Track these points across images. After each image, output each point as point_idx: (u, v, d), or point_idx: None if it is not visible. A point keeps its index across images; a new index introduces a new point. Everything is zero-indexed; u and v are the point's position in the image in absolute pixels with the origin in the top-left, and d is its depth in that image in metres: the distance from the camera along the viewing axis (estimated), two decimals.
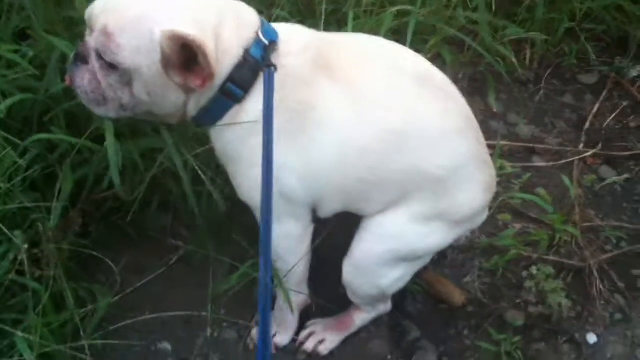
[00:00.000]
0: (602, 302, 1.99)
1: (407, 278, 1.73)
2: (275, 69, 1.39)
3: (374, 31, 2.29)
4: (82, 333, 1.59)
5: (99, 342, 1.64)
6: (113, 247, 1.88)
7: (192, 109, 1.47)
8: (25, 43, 1.96)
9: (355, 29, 2.25)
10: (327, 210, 1.58)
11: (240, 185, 1.55)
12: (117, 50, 1.34)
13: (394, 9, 2.28)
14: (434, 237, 1.63)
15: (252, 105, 1.43)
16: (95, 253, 1.76)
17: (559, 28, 2.64)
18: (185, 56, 1.34)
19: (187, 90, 1.41)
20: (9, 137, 1.64)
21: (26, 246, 1.52)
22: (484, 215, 1.74)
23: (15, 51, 1.83)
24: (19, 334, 1.46)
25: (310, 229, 1.63)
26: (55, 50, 1.85)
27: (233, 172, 1.56)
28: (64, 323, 1.60)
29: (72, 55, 1.45)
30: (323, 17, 2.19)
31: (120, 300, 1.79)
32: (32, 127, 1.79)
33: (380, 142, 1.46)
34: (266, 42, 1.42)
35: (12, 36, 1.92)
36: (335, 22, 2.35)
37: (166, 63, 1.34)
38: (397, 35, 2.36)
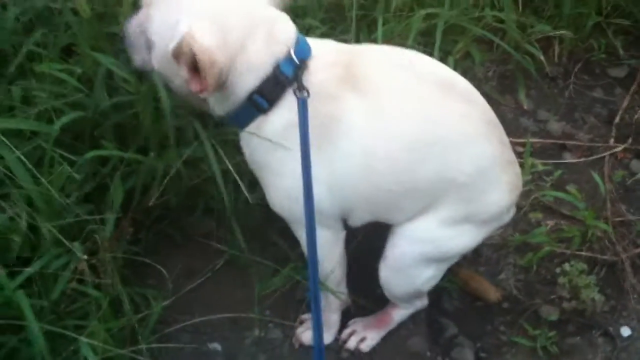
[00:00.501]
0: (635, 296, 2.04)
1: (440, 275, 1.79)
2: (309, 94, 1.44)
3: (403, 34, 2.35)
4: (139, 337, 1.68)
5: (155, 345, 1.73)
6: (162, 252, 1.98)
7: (216, 108, 1.56)
8: (72, 60, 2.06)
9: (385, 33, 2.31)
10: (357, 220, 1.65)
11: (269, 194, 1.62)
12: (148, 19, 1.49)
13: (423, 12, 2.34)
14: (464, 238, 1.69)
15: (277, 118, 1.50)
16: (146, 260, 1.85)
17: (586, 23, 2.67)
18: (194, 60, 1.40)
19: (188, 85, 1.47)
20: (64, 153, 1.73)
21: (85, 257, 1.62)
22: (512, 213, 1.78)
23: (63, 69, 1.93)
24: (83, 339, 1.55)
25: (342, 235, 1.70)
26: (101, 67, 1.95)
27: (262, 179, 1.64)
28: (122, 327, 1.69)
29: None
30: (354, 23, 2.26)
31: (172, 304, 1.88)
32: (84, 141, 1.88)
33: (405, 151, 1.52)
34: (297, 61, 1.48)
35: (59, 53, 2.02)
36: (366, 27, 2.41)
37: (177, 55, 1.42)
38: (426, 36, 2.42)
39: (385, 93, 1.53)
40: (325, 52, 1.55)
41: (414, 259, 1.68)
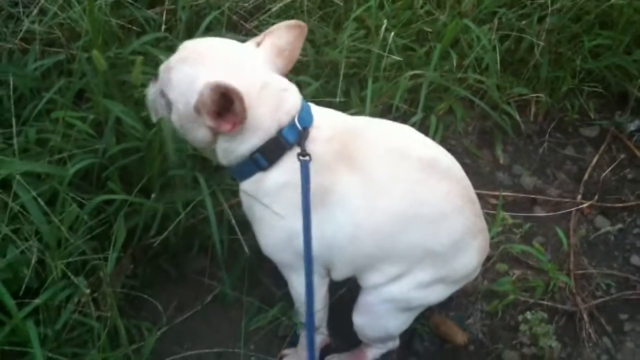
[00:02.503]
0: (591, 345, 2.22)
1: (411, 321, 1.94)
2: (310, 158, 1.61)
3: (391, 91, 2.55)
4: None
5: None
6: (157, 286, 2.14)
7: (222, 158, 1.70)
8: (84, 105, 2.24)
9: (375, 91, 2.49)
10: (339, 274, 1.81)
11: (261, 241, 1.78)
12: (168, 82, 1.65)
13: (409, 73, 2.53)
14: (434, 295, 1.86)
15: (274, 176, 1.66)
16: (144, 295, 2.02)
17: (562, 86, 2.86)
18: (220, 105, 1.57)
19: (215, 132, 1.64)
20: (74, 195, 1.90)
21: (89, 291, 1.78)
22: (478, 270, 1.94)
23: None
24: None
25: (325, 280, 1.85)
26: (112, 114, 2.13)
27: (256, 227, 1.79)
28: (118, 357, 1.84)
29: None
30: (340, 81, 2.43)
31: (163, 335, 2.03)
32: (92, 181, 2.06)
33: (389, 224, 1.69)
34: (300, 128, 1.64)
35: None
36: (358, 82, 2.60)
37: (200, 107, 1.57)
38: (412, 94, 2.61)
39: (376, 172, 1.68)
40: (326, 124, 1.70)
41: (385, 311, 1.85)
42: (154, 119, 1.81)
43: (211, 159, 1.82)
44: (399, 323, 1.90)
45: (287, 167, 1.65)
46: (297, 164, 1.63)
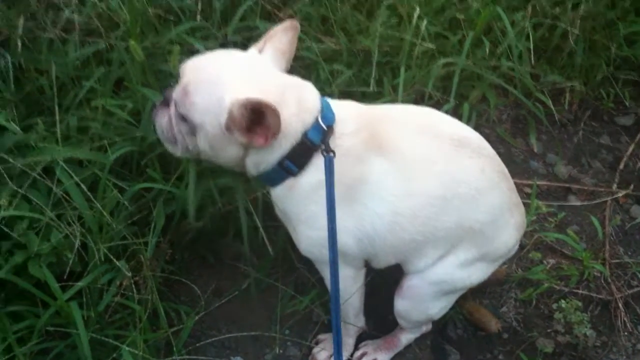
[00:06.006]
0: (626, 334, 2.21)
1: (451, 304, 1.97)
2: (334, 154, 1.60)
3: (423, 79, 2.55)
4: (174, 348, 1.88)
5: (186, 357, 1.93)
6: (195, 272, 2.19)
7: (252, 169, 1.68)
8: (123, 94, 2.28)
9: (407, 79, 2.50)
10: (382, 263, 1.82)
11: (299, 241, 1.79)
12: (190, 106, 1.59)
13: (442, 61, 2.53)
14: (476, 275, 1.87)
15: (306, 179, 1.65)
16: (181, 278, 2.06)
17: (597, 74, 2.84)
18: (250, 119, 1.54)
19: (247, 147, 1.62)
20: (115, 181, 1.94)
21: (130, 274, 1.82)
22: (517, 246, 1.95)
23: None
24: (125, 347, 1.75)
25: (362, 272, 1.87)
26: (149, 102, 2.16)
27: (292, 228, 1.79)
28: (158, 339, 1.89)
29: (161, 95, 1.73)
30: (374, 69, 2.45)
31: (201, 319, 2.07)
32: (131, 169, 2.10)
33: (427, 207, 1.69)
34: (325, 127, 1.62)
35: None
36: (390, 70, 2.61)
37: (231, 125, 1.54)
38: (445, 81, 2.61)
39: (408, 155, 1.68)
40: (348, 116, 1.69)
41: (430, 294, 1.87)
42: (173, 150, 1.73)
43: (237, 171, 1.78)
44: (441, 306, 1.92)
45: (319, 166, 1.62)
46: (332, 161, 1.61)
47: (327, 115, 1.66)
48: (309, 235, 1.73)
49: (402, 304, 1.90)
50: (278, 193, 1.73)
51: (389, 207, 1.68)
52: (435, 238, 1.74)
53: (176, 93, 1.63)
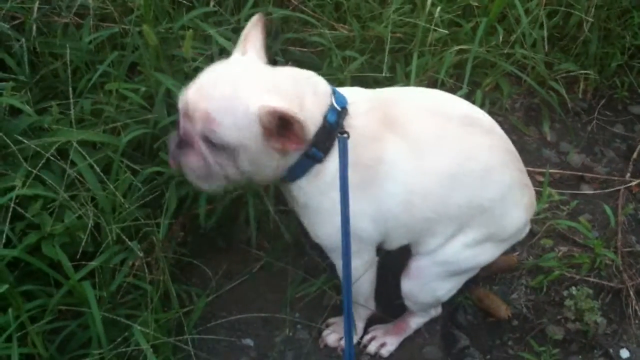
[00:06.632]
0: (637, 322, 2.20)
1: (459, 286, 1.97)
2: (348, 135, 1.60)
3: (436, 66, 2.55)
4: (185, 328, 1.90)
5: (197, 336, 1.95)
6: (206, 255, 2.20)
7: (282, 169, 1.66)
8: (136, 78, 2.30)
9: (420, 65, 2.50)
10: (394, 244, 1.83)
11: (319, 230, 1.77)
12: (223, 131, 1.52)
13: (455, 48, 2.53)
14: (484, 256, 1.88)
15: (331, 164, 1.64)
16: (193, 260, 2.08)
17: (611, 63, 2.82)
18: (279, 125, 1.52)
19: (284, 153, 1.60)
20: (128, 162, 1.96)
21: (142, 254, 1.84)
22: (527, 229, 1.96)
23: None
24: (137, 327, 1.77)
25: (375, 259, 1.88)
26: (162, 86, 2.18)
27: (313, 220, 1.77)
28: (169, 319, 1.91)
29: (170, 142, 1.65)
30: (386, 55, 2.45)
31: (212, 301, 2.09)
32: (144, 152, 2.12)
33: (439, 185, 1.70)
34: (339, 108, 1.62)
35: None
36: (403, 57, 2.61)
37: (266, 132, 1.52)
38: (458, 69, 2.61)
39: (419, 134, 1.70)
40: (360, 98, 1.71)
41: (437, 275, 1.88)
42: (207, 187, 1.68)
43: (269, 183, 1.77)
44: (448, 287, 1.92)
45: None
46: (348, 146, 1.61)
47: (339, 97, 1.66)
48: (330, 222, 1.69)
49: (409, 285, 1.91)
50: (302, 185, 1.70)
51: (403, 187, 1.69)
52: (446, 216, 1.75)
53: (199, 127, 1.55)
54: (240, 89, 1.54)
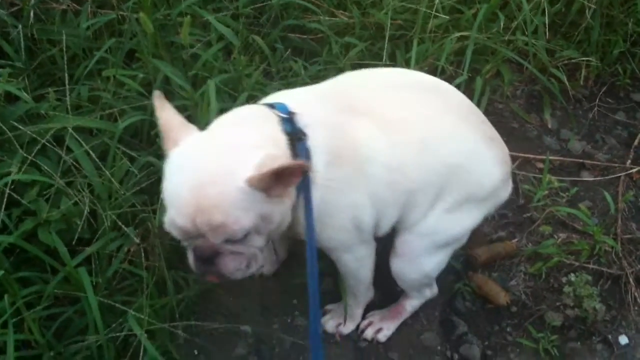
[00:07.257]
0: (636, 308, 2.19)
1: (447, 259, 1.95)
2: (306, 137, 1.57)
3: (437, 53, 2.53)
4: (177, 315, 1.90)
5: (193, 322, 1.95)
6: None
7: (294, 200, 1.59)
8: (134, 65, 2.30)
9: (420, 52, 2.49)
10: (386, 225, 1.81)
11: (327, 235, 1.71)
12: (239, 223, 1.46)
13: (456, 34, 2.51)
14: (468, 219, 1.86)
15: (317, 165, 1.59)
16: None
17: (613, 50, 2.80)
18: (274, 178, 1.44)
19: (289, 190, 1.53)
20: (124, 149, 1.96)
21: (138, 241, 1.85)
22: (508, 189, 1.93)
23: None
24: (132, 312, 1.78)
25: (374, 248, 1.87)
26: (160, 73, 2.18)
27: (318, 227, 1.68)
28: (164, 305, 1.91)
29: (193, 265, 1.61)
30: (386, 42, 2.44)
31: (210, 288, 2.08)
32: (142, 139, 2.12)
33: (412, 154, 1.71)
34: (285, 115, 1.59)
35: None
36: (403, 44, 2.59)
37: (268, 191, 1.46)
38: (459, 56, 2.59)
39: (383, 110, 1.71)
40: (304, 98, 1.71)
41: (425, 248, 1.87)
42: (251, 273, 1.61)
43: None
44: (436, 261, 1.91)
45: (316, 150, 1.59)
46: (314, 145, 1.59)
47: (279, 106, 1.63)
48: (335, 219, 1.69)
49: (397, 263, 1.90)
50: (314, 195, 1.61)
51: (382, 164, 1.69)
52: (425, 183, 1.75)
53: (215, 238, 1.48)
54: (223, 180, 1.45)
